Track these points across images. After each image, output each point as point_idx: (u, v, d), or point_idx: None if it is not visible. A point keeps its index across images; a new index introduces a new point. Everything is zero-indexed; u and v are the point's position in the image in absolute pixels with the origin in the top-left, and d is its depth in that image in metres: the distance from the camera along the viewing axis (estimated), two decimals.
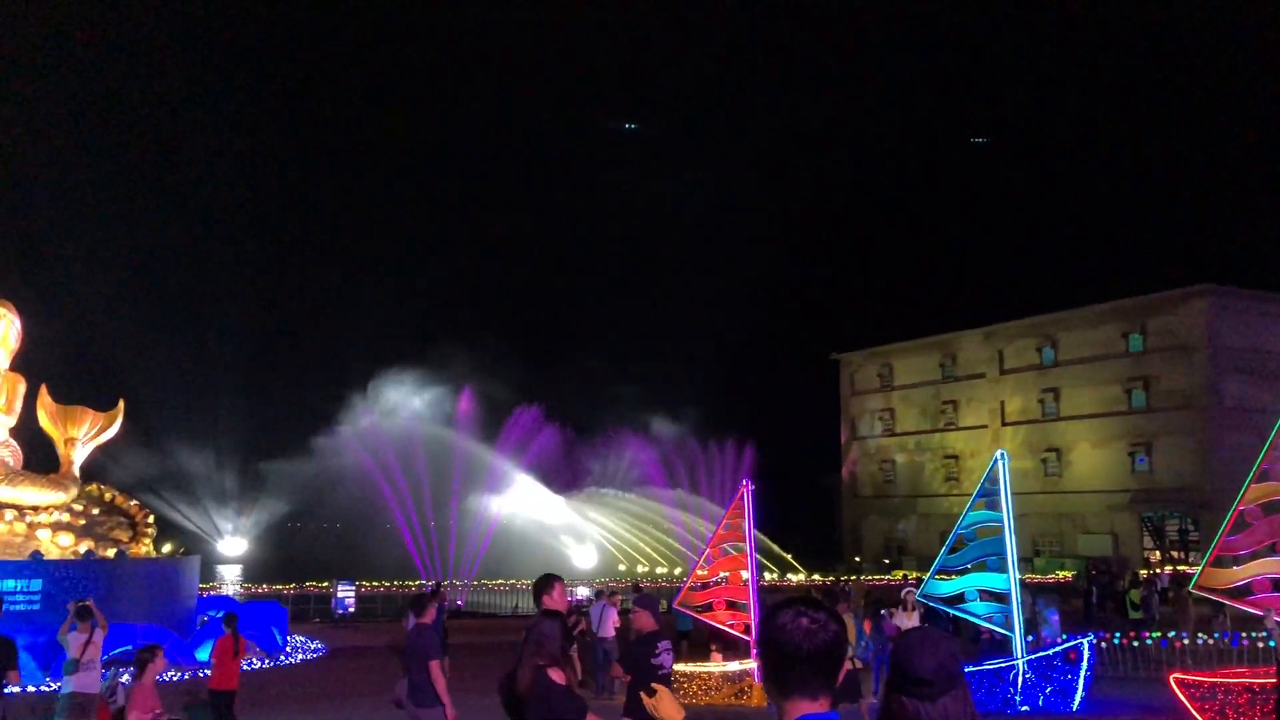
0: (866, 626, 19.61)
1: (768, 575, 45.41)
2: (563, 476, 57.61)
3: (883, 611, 19.97)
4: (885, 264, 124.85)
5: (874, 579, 47.39)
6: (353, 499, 53.90)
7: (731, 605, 19.48)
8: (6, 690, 9.88)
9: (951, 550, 18.13)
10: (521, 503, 54.85)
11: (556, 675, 6.26)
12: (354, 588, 34.11)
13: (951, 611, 18.60)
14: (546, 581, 8.03)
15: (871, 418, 71.39)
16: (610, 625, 20.00)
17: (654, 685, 5.98)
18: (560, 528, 57.47)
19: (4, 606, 20.16)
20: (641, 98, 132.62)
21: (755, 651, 17.47)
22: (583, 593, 41.43)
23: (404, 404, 55.44)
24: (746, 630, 18.61)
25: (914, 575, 43.06)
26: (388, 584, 38.76)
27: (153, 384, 62.85)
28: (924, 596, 18.43)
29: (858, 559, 65.18)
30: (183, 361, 65.42)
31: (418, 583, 39.52)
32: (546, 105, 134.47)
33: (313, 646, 25.94)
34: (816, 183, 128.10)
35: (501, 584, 40.67)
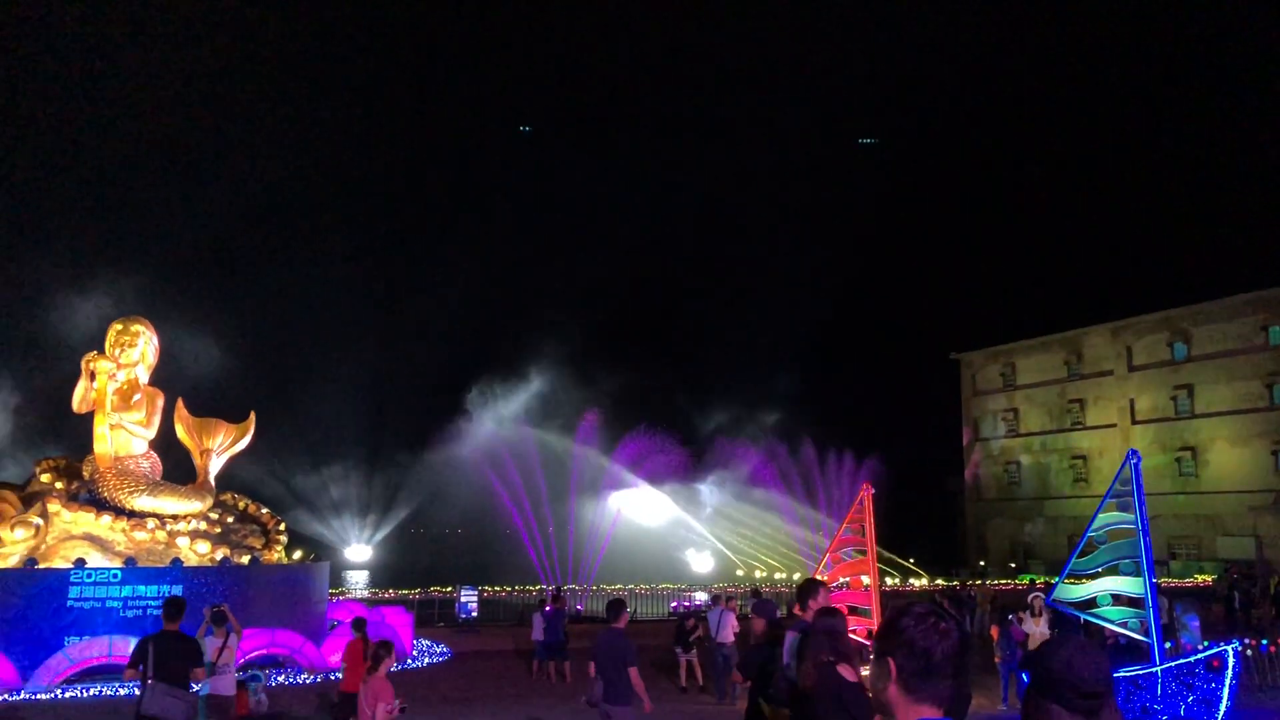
0: (994, 632, 19.11)
1: (889, 580, 44.65)
2: (679, 484, 57.62)
3: (1010, 616, 19.44)
4: (1005, 260, 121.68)
5: (1000, 583, 46.13)
6: (473, 506, 54.91)
7: (853, 611, 19.19)
8: (194, 688, 10.45)
9: (1081, 554, 17.51)
10: (638, 509, 55.07)
11: (847, 671, 6.11)
12: (476, 592, 34.66)
13: (1083, 617, 17.97)
14: (812, 586, 8.16)
15: (994, 418, 69.68)
16: (729, 630, 19.90)
17: (771, 691, 5.88)
18: (676, 534, 57.53)
19: (147, 611, 21.19)
20: (751, 90, 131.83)
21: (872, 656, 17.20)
22: (700, 598, 41.40)
23: (518, 413, 56.14)
24: (869, 636, 18.33)
25: (1041, 580, 41.81)
26: (509, 589, 39.30)
27: (281, 397, 64.99)
28: (1053, 601, 17.85)
29: (982, 563, 63.63)
30: (308, 373, 67.22)
31: (538, 587, 39.98)
32: (663, 101, 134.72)
33: (438, 650, 26.45)
34: (934, 177, 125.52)
35: (620, 589, 40.85)
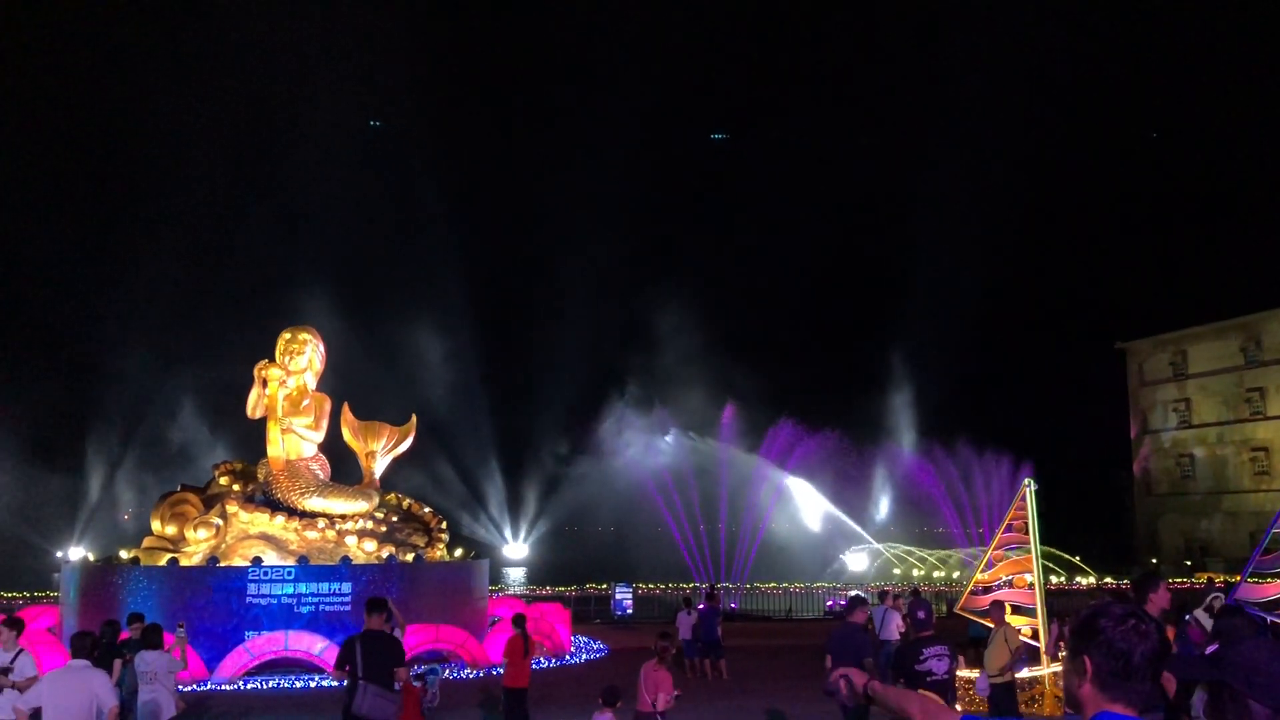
0: (1170, 633, 18.18)
1: (1054, 579, 43.05)
2: (832, 480, 56.82)
3: (1187, 617, 18.46)
4: (1171, 242, 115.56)
5: (1174, 582, 43.92)
6: (624, 504, 55.41)
7: (1017, 610, 18.58)
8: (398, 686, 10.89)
9: (1266, 551, 16.50)
10: (791, 507, 54.59)
11: None
12: (631, 590, 34.97)
13: (1270, 618, 16.93)
14: (1151, 580, 8.16)
15: (1164, 409, 66.45)
16: (893, 628, 19.56)
17: (921, 692, 5.74)
18: (831, 531, 56.81)
19: (319, 607, 22.14)
20: (911, 69, 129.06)
21: (1052, 653, 16.58)
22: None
23: (666, 411, 56.26)
24: (1034, 636, 17.68)
25: (1221, 579, 39.62)
26: (662, 586, 39.49)
27: (436, 399, 66.93)
28: (1236, 601, 16.86)
29: (1154, 560, 60.72)
30: (462, 373, 69.00)
31: (691, 585, 40.07)
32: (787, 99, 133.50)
33: (595, 647, 26.78)
34: (1093, 151, 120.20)
35: (774, 587, 40.58)
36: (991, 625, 19.00)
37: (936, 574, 50.77)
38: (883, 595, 23.02)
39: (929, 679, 9.02)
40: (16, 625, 11.56)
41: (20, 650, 11.14)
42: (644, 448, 50.11)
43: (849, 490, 59.58)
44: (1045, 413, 74.24)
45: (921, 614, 9.22)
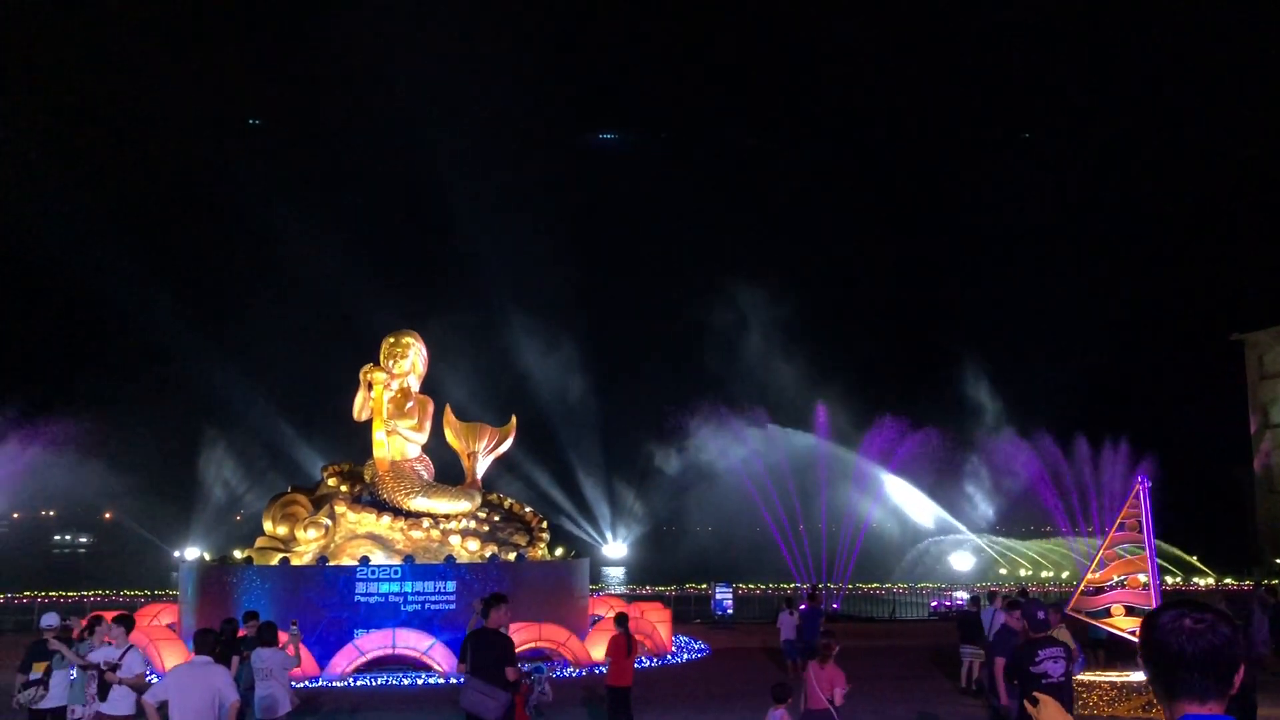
0: None
1: (1169, 579, 41.59)
2: (934, 479, 55.73)
3: None
4: None
5: None
6: (723, 504, 55.19)
7: (1131, 611, 17.99)
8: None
9: None
10: (894, 507, 53.75)
11: None
12: (731, 589, 34.82)
13: None
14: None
15: None
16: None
17: (1036, 695, 5.58)
18: (935, 530, 55.80)
19: (425, 605, 22.52)
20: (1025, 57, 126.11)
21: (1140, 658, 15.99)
22: (961, 597, 39.96)
23: (765, 409, 55.73)
24: None
25: None
26: (763, 586, 39.24)
27: (537, 399, 67.60)
28: None
29: (1278, 560, 58.18)
30: (563, 374, 69.55)
31: (792, 585, 39.74)
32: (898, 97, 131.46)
33: (696, 647, 26.73)
34: (1203, 139, 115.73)
35: (877, 588, 40.02)
36: (1105, 626, 18.44)
37: (1045, 574, 49.47)
38: (991, 596, 22.49)
39: (1044, 681, 8.78)
40: (126, 623, 11.99)
41: (130, 647, 11.55)
42: (741, 446, 49.78)
43: (952, 488, 58.44)
44: (1161, 407, 71.73)
45: (1041, 614, 8.96)
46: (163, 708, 9.32)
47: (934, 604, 38.71)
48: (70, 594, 35.12)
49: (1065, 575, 46.74)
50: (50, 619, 13.49)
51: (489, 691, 10.62)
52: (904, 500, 54.51)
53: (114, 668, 11.37)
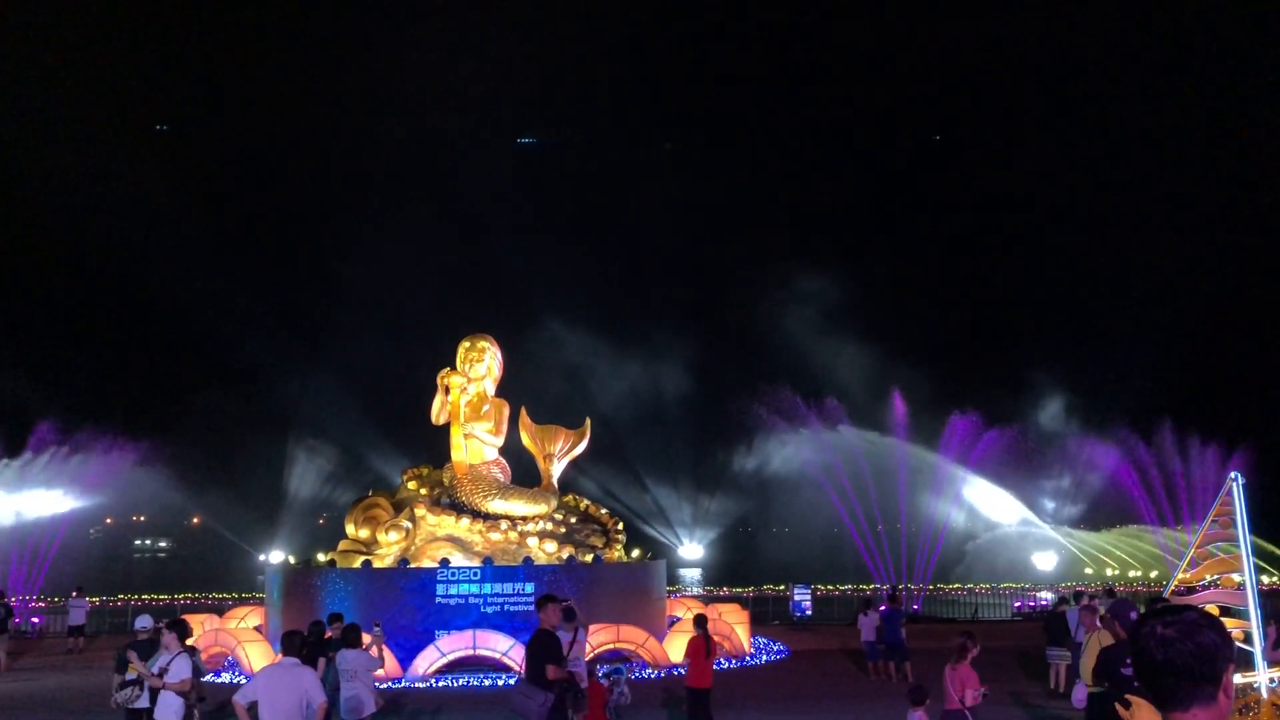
0: None
1: (1266, 578, 40.26)
2: (1018, 475, 54.53)
3: None
4: None
5: None
6: (800, 504, 54.74)
7: (1225, 612, 17.43)
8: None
9: None
10: (974, 506, 52.82)
11: None
12: (810, 591, 34.54)
13: None
14: None
15: None
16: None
17: (1128, 697, 5.41)
18: (1018, 530, 54.72)
19: (504, 607, 22.70)
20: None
21: (1271, 658, 15.52)
22: (1045, 597, 39.15)
23: (839, 406, 55.01)
24: (1246, 639, 16.56)
25: None
26: (842, 587, 38.87)
27: (610, 401, 67.77)
28: None
29: None
30: (636, 375, 69.60)
31: (871, 586, 39.33)
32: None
33: (775, 648, 26.56)
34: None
35: (958, 588, 39.40)
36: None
37: (1133, 573, 48.25)
38: (1076, 596, 21.98)
39: (1135, 684, 8.53)
40: (178, 628, 12.28)
41: (179, 652, 11.84)
42: (817, 445, 49.30)
43: (1034, 485, 57.22)
44: (1256, 400, 68.99)
45: (1134, 614, 8.72)
46: (252, 708, 9.53)
47: (1017, 604, 38.00)
48: (162, 596, 36.11)
49: (1154, 575, 45.48)
50: (144, 621, 13.87)
51: (529, 692, 10.72)
52: (982, 497, 53.47)
53: (161, 673, 11.68)
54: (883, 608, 23.13)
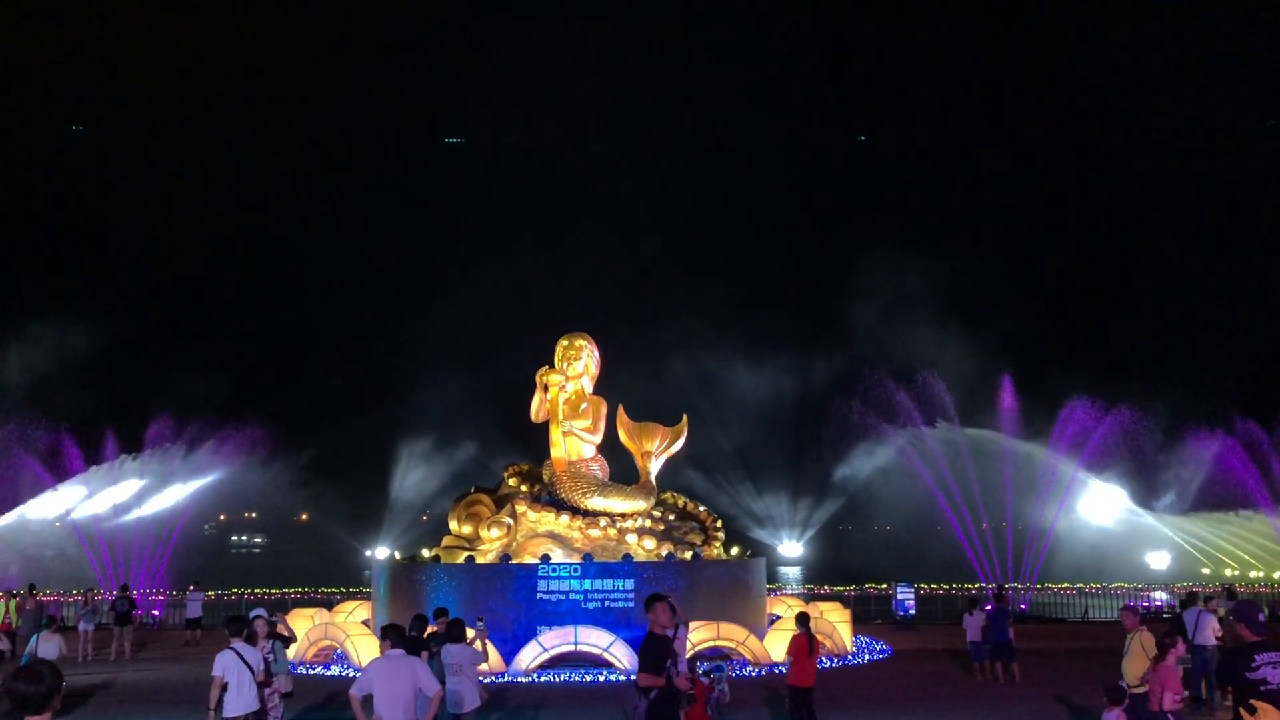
0: None
1: None
2: (1129, 471, 52.62)
3: None
4: None
5: None
6: (902, 501, 53.83)
7: None
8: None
9: None
10: (1084, 503, 51.26)
11: None
12: (913, 589, 34.00)
13: None
14: None
15: None
16: (1209, 632, 17.96)
17: (1253, 702, 5.18)
18: (1129, 528, 52.95)
19: (605, 603, 22.81)
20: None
21: None
22: (1159, 597, 37.88)
23: (943, 399, 53.73)
24: None
25: None
26: (945, 586, 38.17)
27: (709, 399, 67.63)
28: None
29: None
30: (734, 373, 69.32)
31: (976, 585, 38.55)
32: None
33: (878, 648, 26.20)
34: None
35: (1067, 587, 38.37)
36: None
37: (1254, 573, 46.35)
38: (1191, 597, 21.21)
39: (1263, 688, 8.17)
40: (234, 624, 12.57)
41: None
42: (919, 440, 48.37)
43: (1149, 480, 55.10)
44: None
45: (1261, 616, 8.33)
46: (367, 700, 9.76)
47: (1129, 604, 36.81)
48: (273, 591, 37.19)
49: (1278, 576, 43.66)
50: (258, 615, 14.28)
51: (629, 696, 10.75)
52: (1096, 495, 51.78)
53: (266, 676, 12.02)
54: (988, 607, 22.63)
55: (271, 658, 13.01)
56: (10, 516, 48.30)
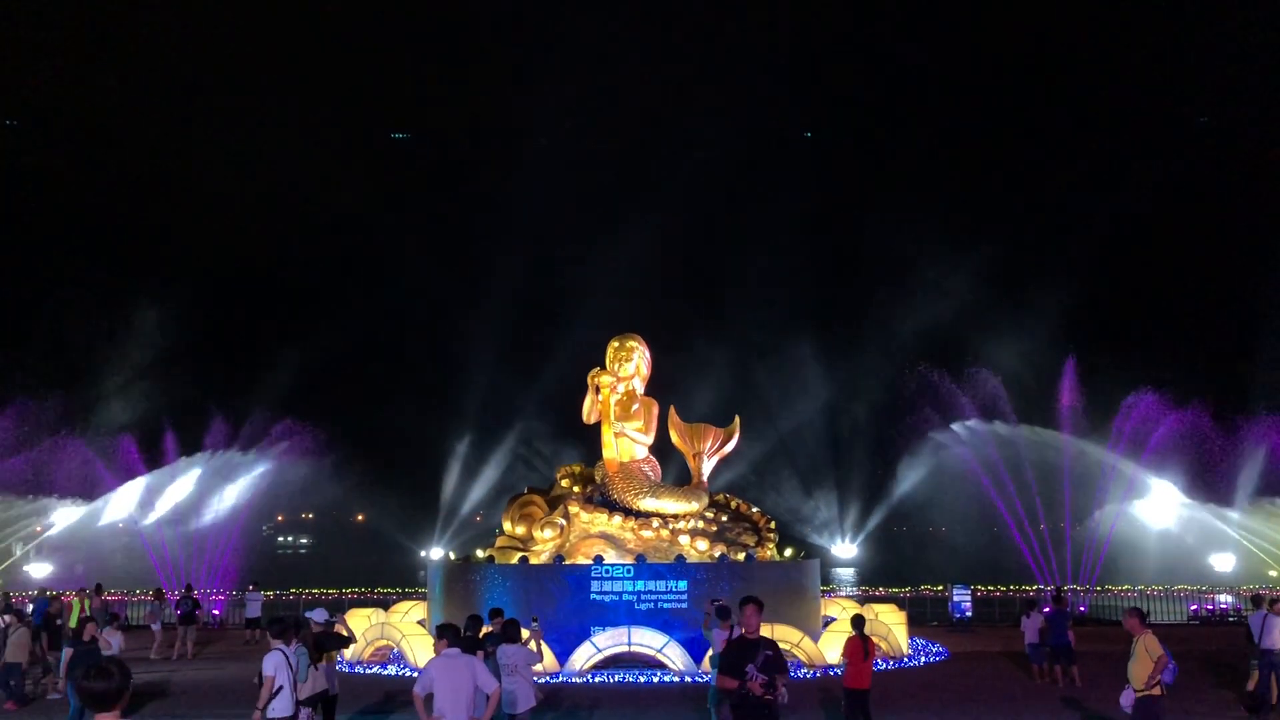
0: None
1: None
2: (1193, 468, 51.26)
3: None
4: None
5: None
6: (957, 502, 53.24)
7: None
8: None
9: None
10: (1144, 502, 50.26)
11: None
12: (969, 591, 33.62)
13: None
14: None
15: None
16: (1276, 635, 17.55)
17: None
18: (1193, 529, 51.84)
19: (658, 604, 22.82)
20: None
21: None
22: (1224, 600, 37.11)
23: (999, 396, 52.72)
24: None
25: None
26: (1002, 588, 37.71)
27: (762, 398, 67.47)
28: None
29: None
30: (787, 373, 69.15)
31: (1035, 587, 38.02)
32: None
33: (934, 650, 25.93)
34: None
35: (1128, 589, 37.71)
36: None
37: None
38: (1256, 600, 20.72)
39: None
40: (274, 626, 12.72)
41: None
42: (973, 436, 47.67)
43: (1212, 478, 53.75)
44: None
45: None
46: (428, 699, 9.89)
47: (1193, 607, 36.12)
48: (330, 591, 37.65)
49: None
50: (318, 614, 14.48)
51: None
52: (1158, 495, 50.67)
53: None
54: (1047, 609, 22.31)
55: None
56: (76, 516, 49.45)
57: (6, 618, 21.16)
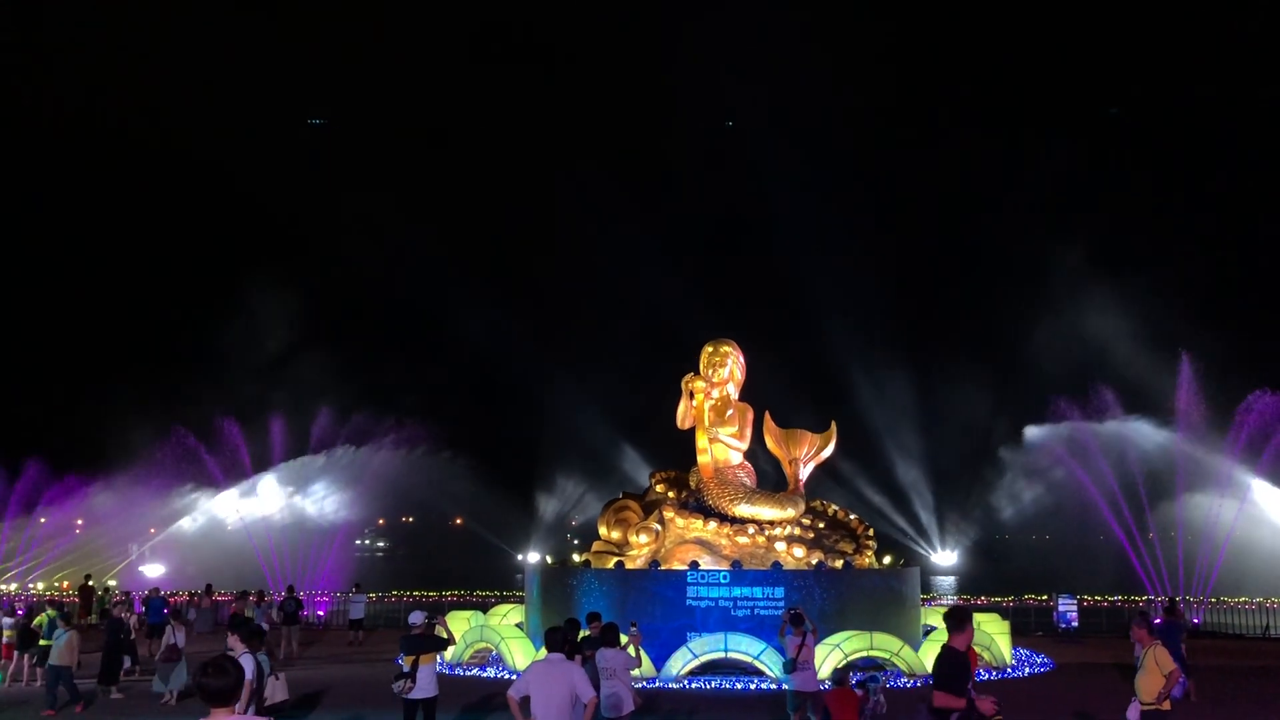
0: None
1: None
2: None
3: None
4: None
5: None
6: (1063, 508, 51.73)
7: None
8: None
9: None
10: (1264, 510, 48.11)
11: None
12: (1075, 601, 32.70)
13: None
14: None
15: None
16: None
17: None
18: None
19: (754, 611, 22.69)
20: None
21: None
22: None
23: (1107, 398, 50.81)
24: None
25: None
26: (1110, 598, 36.56)
27: (859, 404, 66.64)
28: None
29: None
30: (885, 378, 68.05)
31: (1144, 598, 36.82)
32: None
33: (1038, 661, 25.29)
34: None
35: (1245, 601, 36.25)
36: None
37: None
38: None
39: None
40: (238, 627, 12.90)
41: (244, 652, 12.59)
42: (1082, 445, 46.18)
43: None
44: None
45: None
46: (524, 702, 9.96)
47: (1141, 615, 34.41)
48: (431, 593, 38.31)
49: None
50: (416, 616, 14.73)
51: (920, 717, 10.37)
52: (1272, 498, 48.51)
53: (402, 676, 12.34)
54: (1158, 620, 21.58)
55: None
56: (187, 519, 51.12)
57: (125, 613, 22.43)
